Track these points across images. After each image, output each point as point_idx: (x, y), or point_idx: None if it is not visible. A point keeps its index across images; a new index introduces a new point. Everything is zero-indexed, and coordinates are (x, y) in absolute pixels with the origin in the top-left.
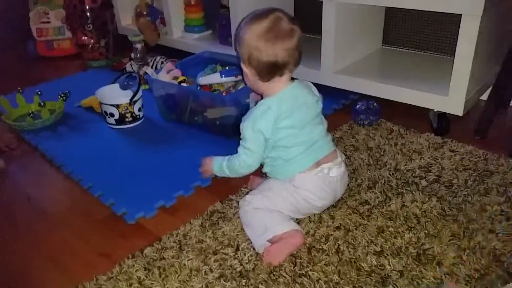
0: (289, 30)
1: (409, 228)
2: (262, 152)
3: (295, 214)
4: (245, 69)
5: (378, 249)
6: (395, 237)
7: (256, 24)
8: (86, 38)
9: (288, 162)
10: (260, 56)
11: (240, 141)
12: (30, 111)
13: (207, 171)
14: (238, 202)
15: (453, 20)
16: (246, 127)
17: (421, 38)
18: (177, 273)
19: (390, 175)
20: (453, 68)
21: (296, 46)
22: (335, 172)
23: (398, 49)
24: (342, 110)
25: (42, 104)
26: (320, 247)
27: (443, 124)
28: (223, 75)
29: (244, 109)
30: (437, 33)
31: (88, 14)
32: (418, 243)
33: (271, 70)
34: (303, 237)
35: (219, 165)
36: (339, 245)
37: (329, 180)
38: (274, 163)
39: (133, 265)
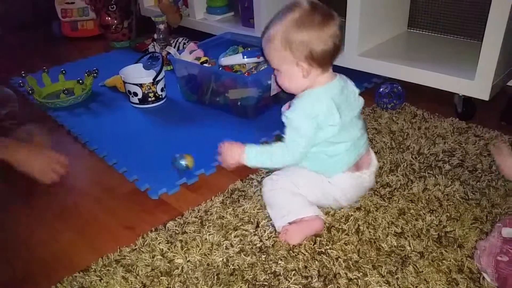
0: (330, 12)
1: (431, 211)
2: (312, 143)
3: (317, 204)
4: (296, 69)
5: (399, 230)
6: (416, 219)
7: (296, 16)
8: (109, 18)
9: (332, 158)
10: (321, 45)
11: (287, 133)
12: (64, 88)
13: (231, 160)
14: (258, 181)
15: (481, 3)
16: (297, 116)
17: (447, 21)
18: (198, 246)
19: (413, 158)
20: (480, 52)
21: (341, 26)
22: (369, 175)
23: (423, 32)
24: (364, 93)
25: (80, 81)
26: (340, 227)
27: (468, 108)
28: (245, 56)
29: (266, 90)
30: (464, 17)
31: None
32: (439, 225)
33: (332, 55)
34: (323, 224)
35: (255, 155)
36: (359, 225)
37: (363, 184)
38: (317, 158)
39: (156, 238)
